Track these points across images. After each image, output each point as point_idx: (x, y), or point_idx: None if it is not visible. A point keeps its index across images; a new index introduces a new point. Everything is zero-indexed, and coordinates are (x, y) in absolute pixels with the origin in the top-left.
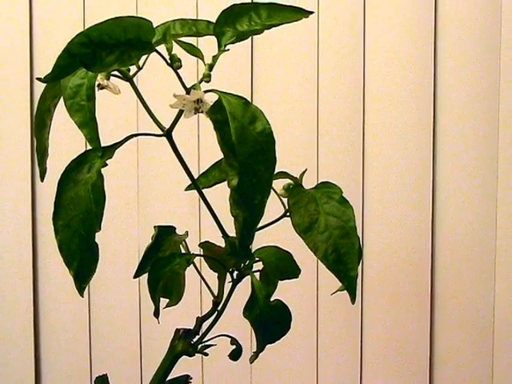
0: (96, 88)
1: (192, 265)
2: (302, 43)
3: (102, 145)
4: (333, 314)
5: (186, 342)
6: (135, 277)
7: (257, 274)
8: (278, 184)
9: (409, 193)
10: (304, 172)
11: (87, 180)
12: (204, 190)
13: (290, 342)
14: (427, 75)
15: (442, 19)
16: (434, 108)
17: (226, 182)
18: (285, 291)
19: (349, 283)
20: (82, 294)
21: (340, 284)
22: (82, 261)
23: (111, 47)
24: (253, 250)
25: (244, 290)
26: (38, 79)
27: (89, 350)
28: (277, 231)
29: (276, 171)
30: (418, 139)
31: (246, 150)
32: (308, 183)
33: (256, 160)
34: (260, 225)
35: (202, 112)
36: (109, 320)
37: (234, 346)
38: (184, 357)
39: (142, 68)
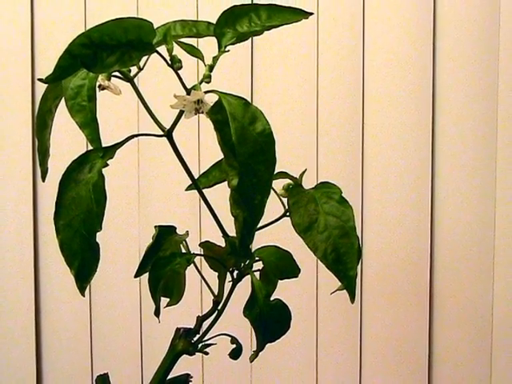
0: (97, 89)
1: (192, 264)
2: (302, 44)
3: (103, 145)
4: (332, 313)
5: (187, 341)
6: (136, 276)
7: (257, 274)
8: (278, 184)
9: (408, 193)
10: (304, 172)
11: (88, 180)
12: (204, 190)
13: (290, 340)
14: (426, 76)
15: (441, 20)
16: (433, 109)
17: (226, 182)
18: (284, 290)
19: (348, 283)
20: (83, 294)
21: (339, 283)
22: (83, 260)
23: (112, 48)
24: (253, 250)
25: (244, 290)
26: (40, 80)
27: (90, 348)
28: (277, 231)
29: (276, 171)
30: (417, 139)
31: (246, 150)
32: (308, 183)
33: (256, 160)
34: (260, 224)
35: (202, 112)
36: (110, 319)
37: (234, 345)
38: (184, 356)
39: (142, 69)
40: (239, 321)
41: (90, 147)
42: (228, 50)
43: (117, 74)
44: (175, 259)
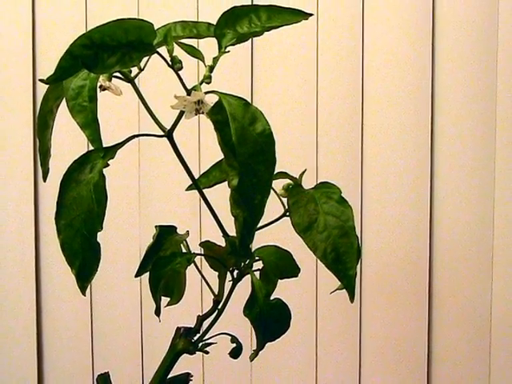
0: (98, 89)
1: (193, 264)
2: (302, 45)
3: (104, 145)
4: (332, 312)
5: (187, 341)
6: (137, 276)
7: (257, 273)
8: (278, 184)
9: (407, 193)
10: (303, 172)
11: (89, 180)
12: (205, 190)
13: (290, 340)
14: (425, 77)
15: (440, 21)
16: (432, 109)
17: (226, 182)
18: (284, 290)
19: (348, 282)
20: (84, 293)
21: (339, 283)
22: (84, 260)
23: (113, 49)
24: (253, 250)
25: (244, 289)
26: (41, 80)
27: (91, 348)
28: (276, 231)
29: (276, 171)
30: (416, 140)
31: (246, 150)
32: (307, 183)
33: (256, 160)
34: (260, 224)
35: (202, 113)
36: (110, 318)
37: (234, 344)
38: (185, 355)
39: (143, 69)
40: (239, 320)
41: (91, 147)
42: (228, 51)
43: (117, 74)
44: (176, 259)
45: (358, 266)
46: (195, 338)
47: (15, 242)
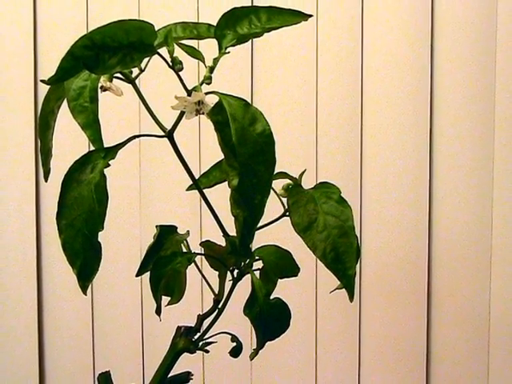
0: (99, 90)
1: (193, 263)
2: (301, 46)
3: (105, 146)
4: (331, 311)
5: (188, 340)
6: (137, 275)
7: (257, 273)
8: (278, 184)
9: (406, 193)
10: (303, 172)
11: (90, 180)
12: (205, 190)
13: (290, 339)
14: (424, 77)
15: (439, 22)
16: (431, 109)
17: (226, 182)
18: (284, 289)
19: (347, 281)
20: (85, 293)
21: (338, 282)
22: (85, 260)
23: (114, 50)
24: (253, 249)
25: (244, 289)
26: (42, 81)
27: (92, 347)
28: (276, 230)
29: (276, 171)
30: (415, 140)
31: (247, 150)
32: (307, 183)
33: (256, 160)
34: (260, 224)
35: (203, 113)
36: (111, 318)
37: (234, 343)
38: (185, 354)
39: (144, 70)
40: (239, 319)
41: (92, 148)
42: (228, 52)
43: (118, 75)
44: (176, 258)
45: (358, 265)
46: (195, 337)
47: (17, 241)
